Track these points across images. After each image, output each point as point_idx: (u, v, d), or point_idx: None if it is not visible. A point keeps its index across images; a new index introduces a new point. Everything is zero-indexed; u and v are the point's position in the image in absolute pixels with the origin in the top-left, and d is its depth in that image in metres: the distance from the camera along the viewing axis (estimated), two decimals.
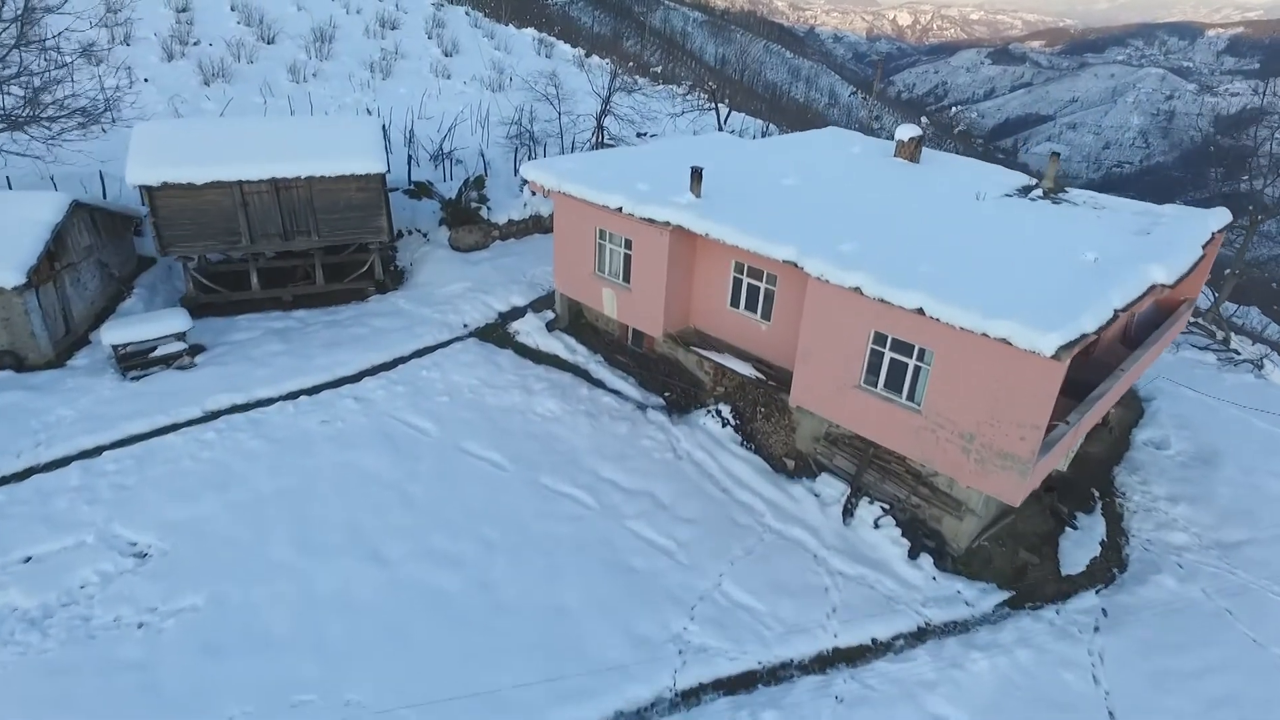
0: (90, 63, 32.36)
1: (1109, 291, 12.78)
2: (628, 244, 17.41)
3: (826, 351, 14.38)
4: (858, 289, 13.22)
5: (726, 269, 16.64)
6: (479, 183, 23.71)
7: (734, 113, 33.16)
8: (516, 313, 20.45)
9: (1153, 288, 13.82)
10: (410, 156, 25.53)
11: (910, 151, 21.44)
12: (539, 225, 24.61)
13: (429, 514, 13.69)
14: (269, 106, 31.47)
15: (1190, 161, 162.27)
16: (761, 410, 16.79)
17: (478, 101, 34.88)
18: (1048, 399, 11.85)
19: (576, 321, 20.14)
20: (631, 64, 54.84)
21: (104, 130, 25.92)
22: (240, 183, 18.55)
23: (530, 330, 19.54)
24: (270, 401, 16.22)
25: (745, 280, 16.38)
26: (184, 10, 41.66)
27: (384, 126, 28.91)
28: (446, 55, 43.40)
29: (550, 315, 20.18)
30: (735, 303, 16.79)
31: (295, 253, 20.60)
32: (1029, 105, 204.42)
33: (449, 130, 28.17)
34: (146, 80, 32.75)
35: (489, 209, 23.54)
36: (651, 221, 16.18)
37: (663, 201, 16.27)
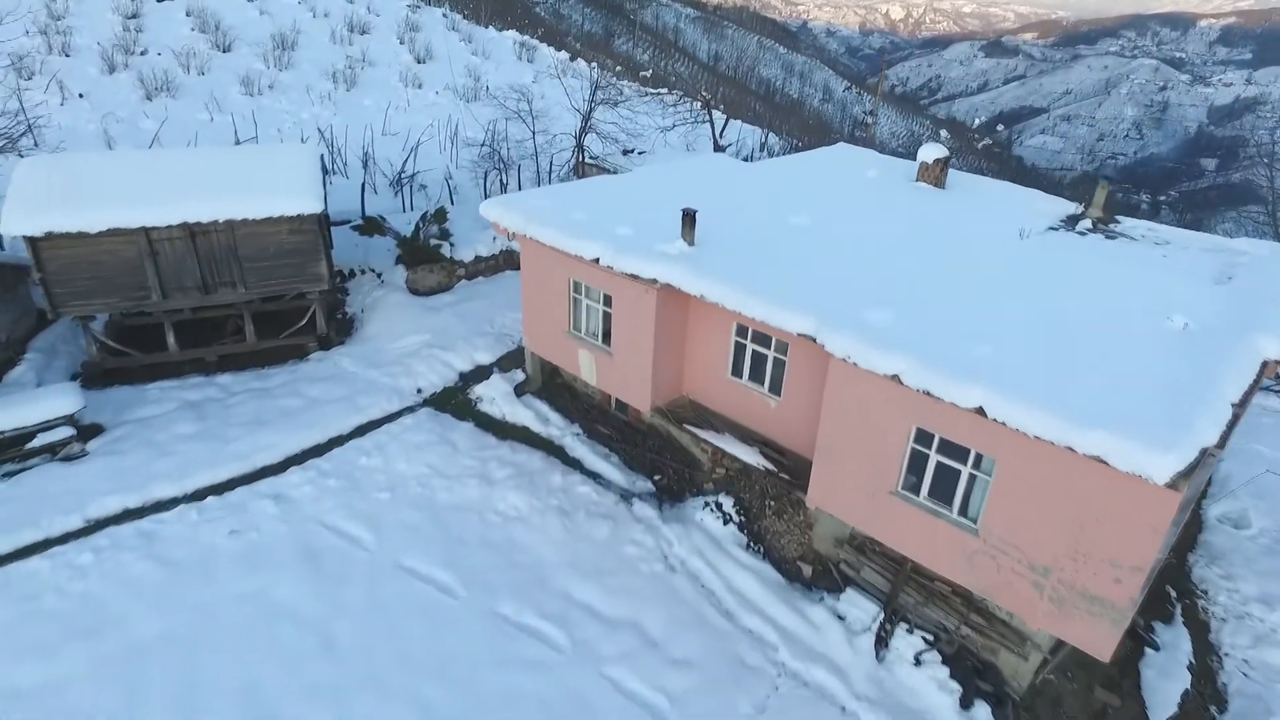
0: (20, 76, 29.40)
1: (1219, 378, 9.94)
2: (607, 300, 14.51)
3: (854, 448, 11.51)
4: (896, 377, 10.34)
5: (726, 332, 13.75)
6: (440, 215, 20.74)
7: (730, 121, 30.23)
8: (480, 373, 17.50)
9: (1264, 365, 11.01)
10: (364, 184, 22.50)
11: (935, 175, 18.61)
12: (511, 261, 21.67)
13: (355, 666, 10.77)
14: (214, 124, 28.48)
15: (1185, 152, 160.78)
16: (771, 504, 13.91)
17: (450, 115, 31.94)
18: (1154, 536, 8.99)
19: (551, 382, 17.23)
20: (620, 68, 51.85)
21: (21, 156, 22.98)
22: (146, 229, 15.57)
23: (496, 396, 16.61)
24: (171, 504, 13.26)
25: (749, 346, 13.48)
26: (133, 16, 38.54)
27: (340, 148, 25.90)
28: (419, 62, 40.45)
29: (520, 376, 17.26)
30: (737, 372, 13.90)
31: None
32: (1022, 98, 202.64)
33: (412, 151, 25.19)
34: (81, 95, 29.73)
35: (452, 245, 20.59)
36: (635, 277, 13.29)
37: (648, 252, 13.37)
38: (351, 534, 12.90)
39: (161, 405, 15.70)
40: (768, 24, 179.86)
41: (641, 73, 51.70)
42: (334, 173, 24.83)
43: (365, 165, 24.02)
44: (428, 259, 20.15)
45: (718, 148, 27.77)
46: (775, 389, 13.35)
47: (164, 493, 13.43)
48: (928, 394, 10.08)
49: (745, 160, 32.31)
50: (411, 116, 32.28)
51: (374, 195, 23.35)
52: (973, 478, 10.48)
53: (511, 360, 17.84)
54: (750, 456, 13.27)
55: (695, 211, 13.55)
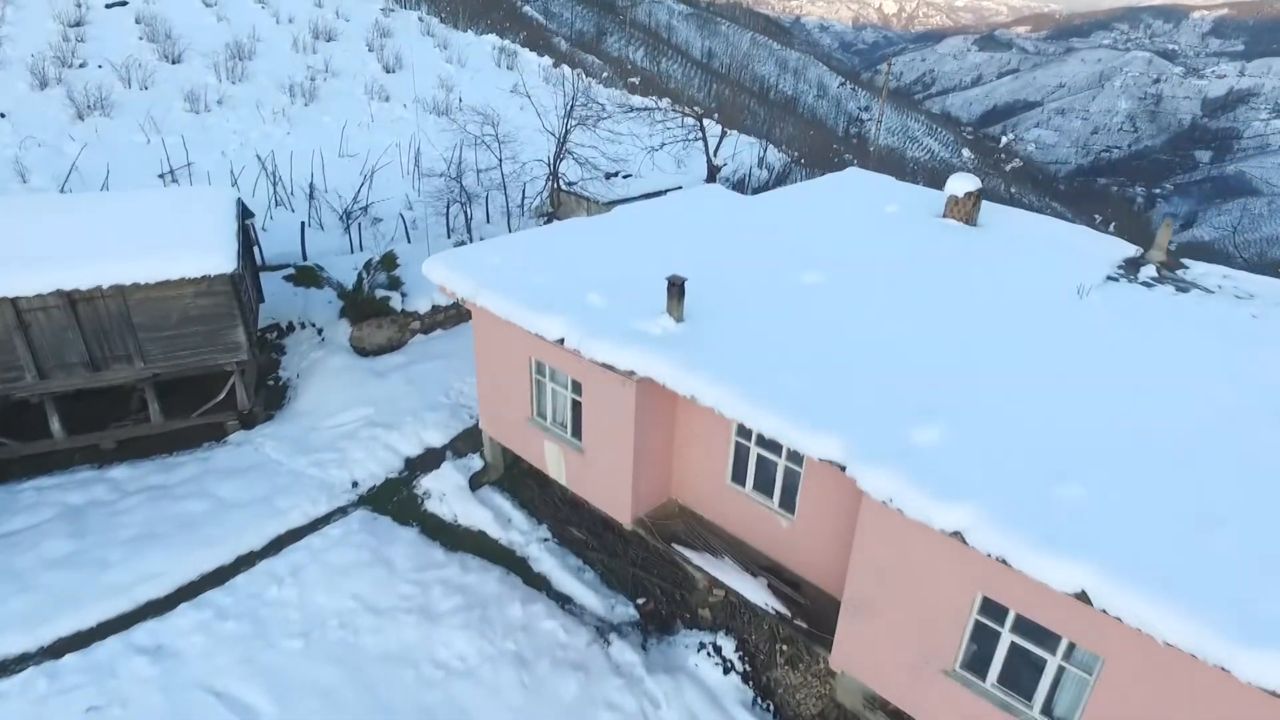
0: None
1: None
2: (576, 387, 11.72)
3: (895, 609, 8.74)
4: (958, 535, 7.58)
5: (725, 430, 10.96)
6: (388, 261, 17.88)
7: (727, 133, 27.44)
8: (430, 459, 14.67)
9: None
10: (304, 222, 19.59)
11: (966, 211, 15.86)
12: None
13: None
14: (150, 148, 25.53)
15: (1179, 145, 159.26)
16: (782, 648, 11.13)
17: (420, 131, 28.97)
18: None
19: (514, 470, 14.41)
20: (607, 74, 48.96)
21: None
22: (12, 300, 12.71)
23: (447, 491, 13.80)
24: (18, 665, 10.41)
25: (753, 450, 10.70)
26: (76, 25, 35.50)
27: (281, 177, 22.65)
28: (388, 71, 37.47)
29: (477, 462, 14.45)
30: (739, 478, 11.11)
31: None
32: (1016, 92, 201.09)
33: (367, 178, 22.29)
34: (3, 116, 26.73)
35: (404, 295, 17.74)
36: (610, 367, 10.50)
37: (626, 332, 10.58)
38: (246, 703, 10.05)
39: (35, 513, 12.83)
40: (761, 20, 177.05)
41: (630, 79, 48.75)
42: (278, 204, 21.96)
43: (311, 197, 21.11)
44: (375, 312, 17.30)
45: (711, 168, 24.97)
46: (788, 505, 10.56)
47: (11, 647, 10.57)
48: (1004, 563, 7.33)
49: (743, 180, 29.52)
50: (374, 134, 29.35)
51: (320, 232, 20.47)
52: (1063, 670, 7.74)
53: (468, 440, 15.02)
54: (756, 593, 10.48)
55: (684, 280, 10.75)
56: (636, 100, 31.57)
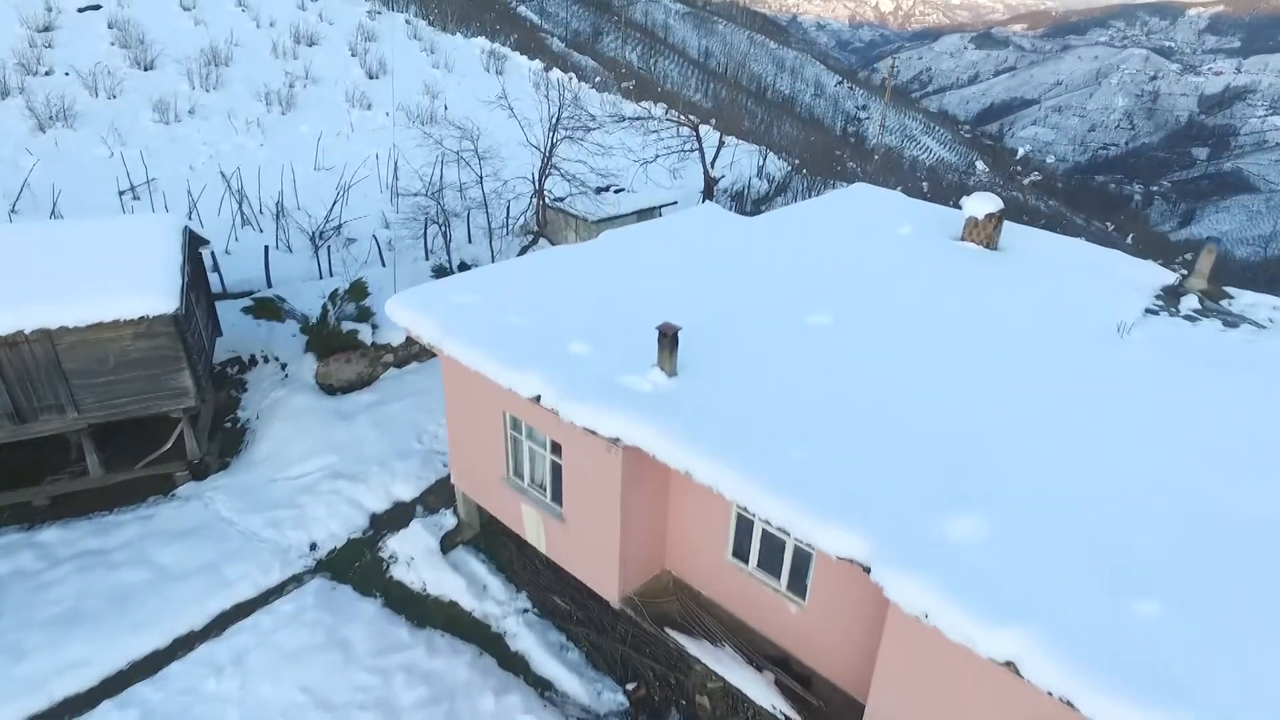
0: None
1: None
2: (556, 448, 10.34)
3: None
4: (1011, 666, 6.22)
5: (725, 500, 9.58)
6: (357, 291, 16.46)
7: (724, 140, 26.05)
8: (399, 515, 13.27)
9: None
10: (268, 247, 18.14)
11: (987, 234, 14.53)
12: None
13: None
14: (113, 162, 24.06)
15: (1176, 142, 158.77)
16: None
17: (396, 147, 27.53)
18: None
19: (490, 528, 13.00)
20: (600, 78, 47.53)
21: None
22: None
23: (416, 554, 12.40)
24: None
25: (757, 524, 9.32)
26: (45, 30, 34.01)
27: (248, 195, 21.02)
28: (371, 77, 36.02)
29: (449, 519, 13.05)
30: (741, 554, 9.74)
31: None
32: (1013, 89, 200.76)
33: (342, 194, 20.85)
34: None
35: (375, 326, 16.34)
36: (593, 432, 9.11)
37: (611, 392, 9.20)
38: None
39: None
40: (758, 19, 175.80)
41: (624, 83, 47.22)
42: (245, 224, 20.53)
43: (278, 217, 19.66)
44: (343, 345, 15.89)
45: (709, 181, 23.57)
46: (798, 588, 9.18)
47: None
48: (1069, 705, 5.96)
49: (742, 192, 28.12)
50: (353, 145, 27.93)
51: (288, 255, 19.03)
52: None
53: (441, 494, 13.61)
54: (760, 692, 9.10)
55: (677, 330, 9.36)
56: (629, 109, 30.15)
